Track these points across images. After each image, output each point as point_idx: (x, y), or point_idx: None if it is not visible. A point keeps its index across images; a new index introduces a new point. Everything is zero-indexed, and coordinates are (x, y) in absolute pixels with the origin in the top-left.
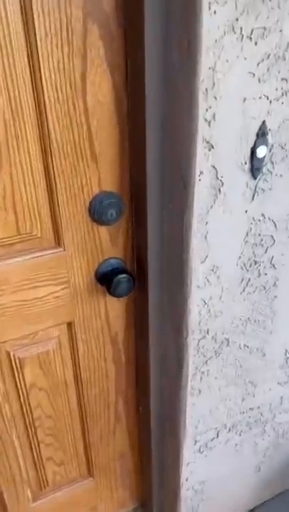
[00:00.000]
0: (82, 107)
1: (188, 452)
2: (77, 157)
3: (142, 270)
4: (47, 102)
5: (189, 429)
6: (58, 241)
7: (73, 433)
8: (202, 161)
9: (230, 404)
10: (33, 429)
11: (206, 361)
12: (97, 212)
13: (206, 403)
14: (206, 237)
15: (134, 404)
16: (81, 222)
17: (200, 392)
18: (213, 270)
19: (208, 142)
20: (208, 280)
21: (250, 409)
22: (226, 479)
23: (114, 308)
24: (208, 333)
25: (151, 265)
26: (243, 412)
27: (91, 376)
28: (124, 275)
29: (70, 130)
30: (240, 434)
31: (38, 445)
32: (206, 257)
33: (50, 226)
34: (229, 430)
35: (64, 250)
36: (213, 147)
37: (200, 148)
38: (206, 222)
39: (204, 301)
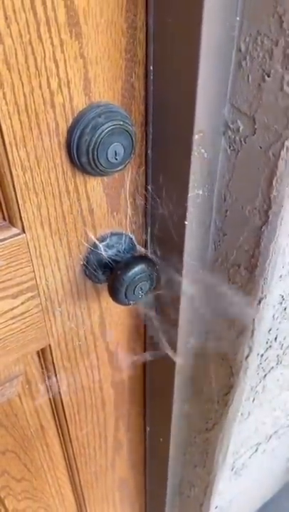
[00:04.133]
0: None
1: (223, 483)
2: (37, 20)
3: (171, 252)
4: None
5: (229, 459)
6: (10, 216)
7: (58, 484)
8: None
9: (278, 413)
10: None
11: (265, 375)
12: (86, 150)
13: (252, 423)
14: None
15: (139, 425)
16: (53, 172)
17: (249, 415)
18: None
19: None
20: None
21: None
22: (254, 485)
23: (114, 313)
24: (276, 340)
25: (190, 243)
26: (288, 415)
27: (80, 413)
28: (140, 265)
29: None
30: (279, 438)
31: None
32: None
33: None
34: (270, 438)
35: (22, 232)
36: None
37: None
38: None
39: (282, 298)
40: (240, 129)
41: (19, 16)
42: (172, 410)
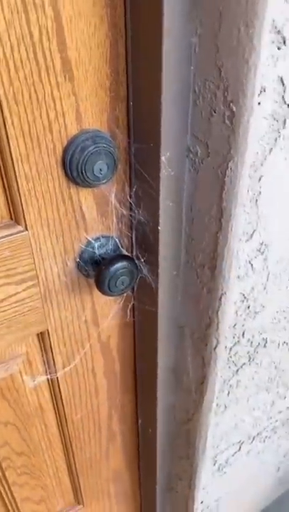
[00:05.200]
0: None
1: (205, 475)
2: (39, 68)
3: (149, 253)
4: None
5: (209, 452)
6: (16, 216)
7: (55, 466)
8: (267, 69)
9: (258, 413)
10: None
11: (237, 370)
12: (76, 166)
13: (231, 419)
14: (257, 200)
15: (131, 416)
16: (51, 183)
17: (226, 408)
18: (260, 251)
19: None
20: (252, 266)
21: (278, 412)
22: (243, 488)
23: (106, 306)
24: (243, 335)
25: (164, 245)
26: (271, 417)
27: (75, 397)
28: (122, 262)
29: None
30: (264, 441)
31: (9, 488)
32: (254, 231)
33: (0, 192)
34: (253, 440)
35: (25, 230)
36: (285, 43)
37: (267, 41)
38: (260, 178)
39: (244, 296)
40: (199, 152)
41: (25, 64)
42: (157, 400)
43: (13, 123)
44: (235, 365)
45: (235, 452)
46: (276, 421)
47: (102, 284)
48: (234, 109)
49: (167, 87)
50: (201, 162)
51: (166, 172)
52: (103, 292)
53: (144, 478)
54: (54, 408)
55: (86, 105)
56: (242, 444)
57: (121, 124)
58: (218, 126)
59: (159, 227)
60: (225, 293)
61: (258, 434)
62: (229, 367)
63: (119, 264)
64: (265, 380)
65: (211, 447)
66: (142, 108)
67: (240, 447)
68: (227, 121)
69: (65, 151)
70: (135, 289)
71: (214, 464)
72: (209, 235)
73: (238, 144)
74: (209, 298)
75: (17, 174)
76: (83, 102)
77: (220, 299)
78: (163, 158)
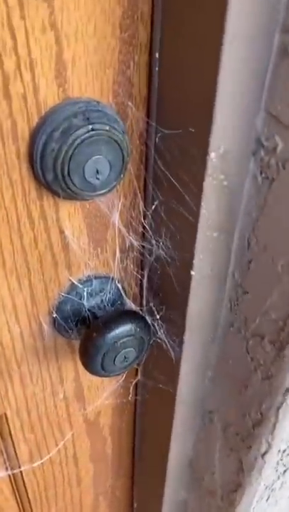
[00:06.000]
0: None
1: None
2: None
3: (170, 308)
4: None
5: None
6: None
7: None
8: None
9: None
10: None
11: (285, 471)
12: (53, 164)
13: None
14: None
15: (124, 499)
16: (8, 192)
17: None
18: None
19: None
20: None
21: None
22: None
23: (97, 377)
24: None
25: (196, 298)
26: None
27: (48, 491)
28: (127, 325)
29: None
30: None
31: None
32: None
33: None
34: None
35: None
36: None
37: None
38: None
39: None
40: (279, 147)
41: None
42: (164, 495)
43: None
44: (284, 465)
45: None
46: None
47: (92, 362)
48: None
49: (237, 18)
50: (281, 166)
51: (214, 181)
52: (92, 372)
53: None
54: (18, 506)
55: (76, 49)
56: None
57: (136, 93)
58: None
59: (192, 272)
60: None
61: None
62: (276, 470)
63: (121, 329)
64: None
65: None
66: (177, 64)
67: None
68: None
69: (33, 134)
70: (143, 358)
71: None
72: (281, 292)
73: None
74: (266, 387)
75: None
76: (70, 42)
77: (286, 392)
78: (212, 156)
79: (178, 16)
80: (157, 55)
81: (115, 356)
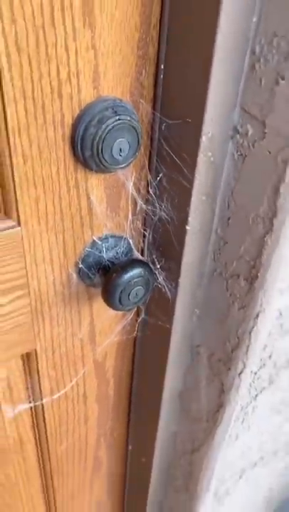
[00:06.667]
0: None
1: (204, 508)
2: (52, 4)
3: (168, 258)
4: None
5: (212, 484)
6: (6, 207)
7: (32, 502)
8: None
9: (266, 437)
10: None
11: (256, 396)
12: (91, 144)
13: (239, 447)
14: None
15: (121, 443)
16: (54, 166)
17: (237, 437)
18: None
19: None
20: None
21: (284, 433)
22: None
23: (104, 319)
24: (270, 358)
25: (190, 249)
26: (275, 439)
27: (62, 426)
28: (137, 269)
29: None
30: (264, 466)
31: None
32: None
33: None
34: (255, 465)
35: (17, 225)
36: None
37: None
38: None
39: (280, 313)
40: (249, 133)
41: None
42: (158, 429)
43: (12, 79)
44: (256, 389)
45: (236, 481)
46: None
47: (112, 296)
48: None
49: (222, 43)
50: (251, 146)
51: (205, 157)
52: (112, 306)
53: (130, 510)
54: (35, 439)
55: (107, 64)
56: (244, 471)
57: (146, 94)
58: (284, 99)
59: (188, 227)
60: (264, 310)
61: (260, 458)
62: (249, 392)
63: (134, 272)
64: (279, 403)
65: (214, 480)
66: (176, 73)
67: (241, 475)
68: None
69: (76, 123)
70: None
71: (215, 496)
72: (252, 239)
73: None
74: (241, 315)
75: (12, 150)
76: (104, 59)
77: (256, 317)
78: (204, 139)
79: (179, 39)
80: (162, 66)
81: (129, 293)
